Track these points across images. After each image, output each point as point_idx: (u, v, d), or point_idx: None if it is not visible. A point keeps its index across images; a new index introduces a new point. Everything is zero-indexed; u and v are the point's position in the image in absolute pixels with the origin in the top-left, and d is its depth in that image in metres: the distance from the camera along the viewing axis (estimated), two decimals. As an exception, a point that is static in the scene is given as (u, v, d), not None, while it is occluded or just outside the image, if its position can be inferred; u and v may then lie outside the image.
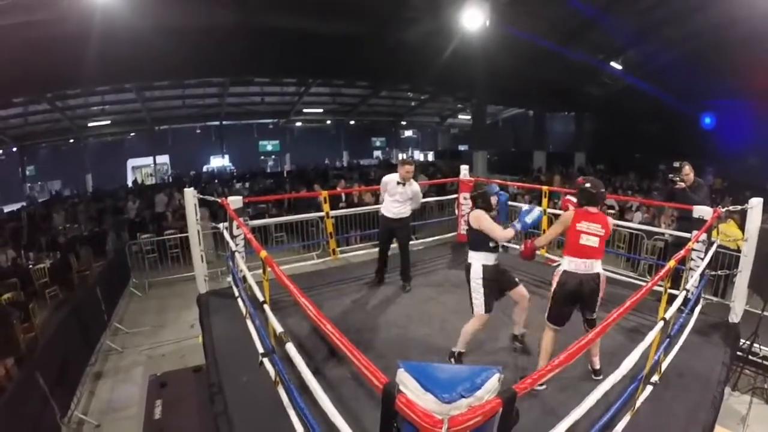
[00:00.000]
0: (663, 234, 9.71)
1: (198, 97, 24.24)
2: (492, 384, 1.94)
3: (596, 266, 4.17)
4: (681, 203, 6.42)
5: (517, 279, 4.78)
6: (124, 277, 11.94)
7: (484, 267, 4.44)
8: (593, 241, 4.13)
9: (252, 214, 13.47)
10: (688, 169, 6.50)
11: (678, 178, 6.54)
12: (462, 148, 36.10)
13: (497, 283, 4.55)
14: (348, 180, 21.30)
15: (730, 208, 5.80)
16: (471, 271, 4.48)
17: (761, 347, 6.23)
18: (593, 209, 4.22)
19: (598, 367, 4.29)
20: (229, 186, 22.63)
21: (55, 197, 23.28)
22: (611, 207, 14.01)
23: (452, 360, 4.59)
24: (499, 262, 4.58)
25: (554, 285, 4.26)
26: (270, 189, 21.46)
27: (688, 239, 5.56)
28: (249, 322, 4.70)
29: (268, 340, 3.83)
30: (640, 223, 11.62)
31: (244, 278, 4.99)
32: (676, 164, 6.62)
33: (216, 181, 24.74)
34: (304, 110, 28.85)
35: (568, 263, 4.20)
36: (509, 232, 4.33)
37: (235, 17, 14.32)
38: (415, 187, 6.42)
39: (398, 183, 6.27)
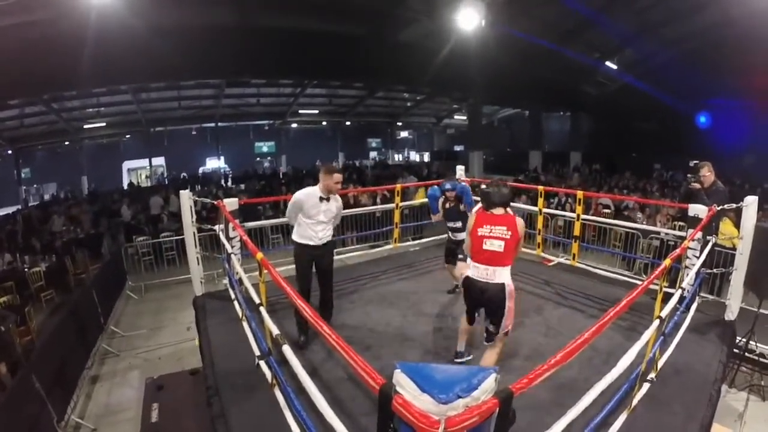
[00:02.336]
0: (658, 233, 9.73)
1: (194, 98, 24.19)
2: (489, 384, 1.94)
3: (499, 274, 3.89)
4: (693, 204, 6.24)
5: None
6: (120, 280, 11.92)
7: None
8: (497, 246, 3.87)
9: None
10: (706, 170, 6.24)
11: (693, 178, 6.31)
12: (458, 148, 36.14)
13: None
14: (343, 181, 21.24)
15: (726, 206, 5.81)
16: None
17: (757, 344, 6.24)
18: (499, 211, 4.00)
19: (462, 349, 4.52)
20: (223, 188, 22.58)
21: (52, 200, 23.17)
22: (606, 206, 14.04)
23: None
24: None
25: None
26: (262, 191, 21.44)
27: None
28: (245, 325, 4.70)
29: (265, 342, 3.82)
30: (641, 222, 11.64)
31: (240, 280, 4.98)
32: (692, 164, 6.32)
33: (208, 185, 24.67)
34: (300, 111, 28.80)
35: (472, 269, 4.03)
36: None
37: (232, 17, 14.33)
38: (339, 202, 5.22)
39: (321, 199, 4.96)
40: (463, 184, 6.19)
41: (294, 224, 5.16)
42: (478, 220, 4.02)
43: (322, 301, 5.34)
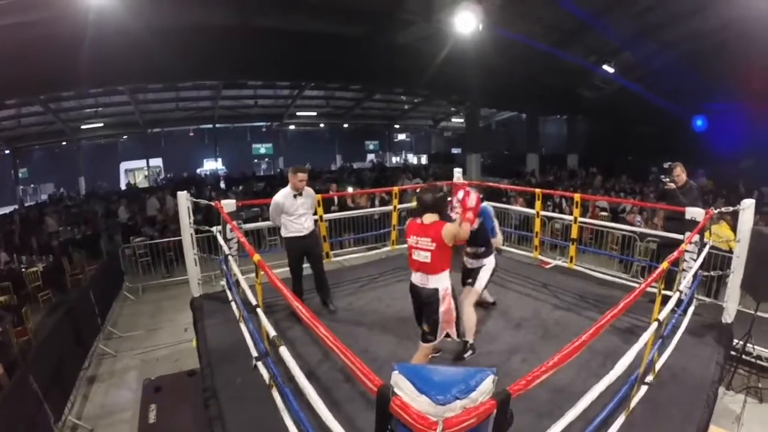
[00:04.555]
0: (656, 236, 9.76)
1: (191, 99, 24.22)
2: (486, 386, 1.94)
3: (433, 281, 3.94)
4: (670, 204, 6.43)
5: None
6: (117, 281, 11.89)
7: None
8: (423, 257, 3.89)
9: (245, 217, 13.44)
10: (679, 170, 6.46)
11: (668, 179, 6.51)
12: (455, 151, 36.21)
13: None
14: (341, 183, 21.26)
15: (723, 209, 5.83)
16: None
17: (755, 347, 6.26)
18: (428, 219, 3.93)
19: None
20: (218, 189, 22.56)
21: (44, 203, 23.09)
22: (603, 209, 14.06)
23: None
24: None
25: None
26: (262, 192, 21.39)
27: (677, 239, 5.62)
28: (243, 326, 4.70)
29: (262, 344, 3.82)
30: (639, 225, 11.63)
31: (238, 282, 4.98)
32: (666, 165, 6.60)
33: (209, 185, 24.61)
34: (298, 113, 28.84)
35: (412, 275, 4.13)
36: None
37: (230, 18, 14.32)
38: (309, 190, 5.89)
39: (295, 196, 5.68)
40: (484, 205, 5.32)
41: (279, 224, 5.84)
42: (408, 230, 4.06)
43: (318, 285, 6.08)
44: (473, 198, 4.26)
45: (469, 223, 4.11)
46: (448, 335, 4.09)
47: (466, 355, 4.76)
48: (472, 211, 4.18)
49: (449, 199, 4.58)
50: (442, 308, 3.96)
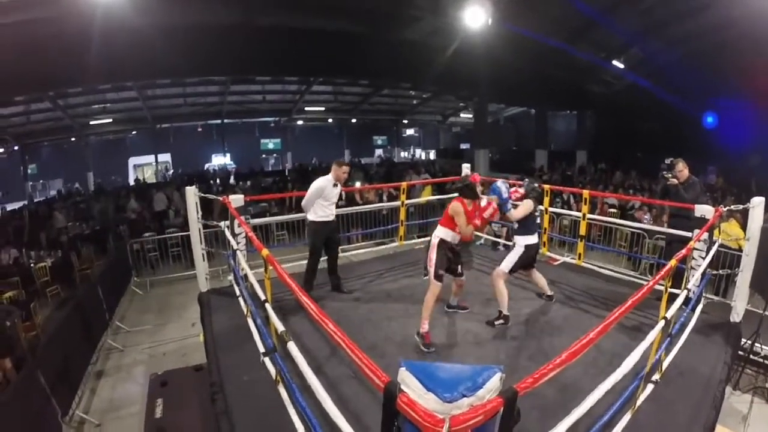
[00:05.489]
0: (663, 233, 9.72)
1: (199, 95, 24.21)
2: (493, 383, 1.94)
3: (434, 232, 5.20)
4: (673, 200, 6.40)
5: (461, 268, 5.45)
6: (125, 276, 11.96)
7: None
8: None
9: (253, 212, 13.49)
10: (681, 166, 6.39)
11: (670, 175, 6.45)
12: (464, 146, 36.08)
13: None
14: (351, 178, 21.29)
15: (732, 207, 5.79)
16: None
17: (762, 347, 6.23)
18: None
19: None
20: (228, 185, 22.61)
21: (53, 199, 23.21)
22: (612, 206, 14.00)
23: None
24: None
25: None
26: (268, 188, 21.41)
27: (681, 236, 5.59)
28: (250, 321, 4.71)
29: (270, 339, 3.82)
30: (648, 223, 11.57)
31: (246, 277, 4.99)
32: (668, 161, 6.53)
33: (218, 180, 24.65)
34: (306, 108, 28.75)
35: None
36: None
37: (237, 15, 14.33)
38: (339, 186, 6.46)
39: (334, 185, 6.27)
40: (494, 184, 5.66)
41: (310, 209, 6.27)
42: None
43: (331, 269, 6.59)
44: (490, 211, 5.19)
45: (473, 228, 5.08)
46: (426, 270, 5.17)
47: (496, 323, 5.35)
48: (481, 220, 5.14)
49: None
50: (429, 253, 5.10)
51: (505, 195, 5.39)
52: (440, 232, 5.08)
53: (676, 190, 6.39)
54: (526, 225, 5.55)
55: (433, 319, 5.09)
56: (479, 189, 5.18)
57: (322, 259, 6.52)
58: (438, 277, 4.99)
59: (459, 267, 5.39)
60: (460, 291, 5.71)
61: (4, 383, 6.41)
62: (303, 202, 6.31)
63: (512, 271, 5.56)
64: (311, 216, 6.28)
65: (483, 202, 5.18)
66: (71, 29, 11.88)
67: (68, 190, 24.14)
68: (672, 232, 6.32)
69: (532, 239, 5.58)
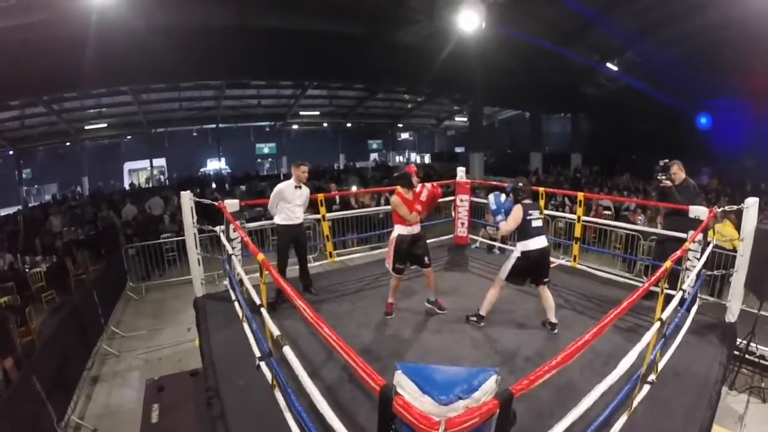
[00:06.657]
0: (657, 234, 9.74)
1: (194, 99, 24.21)
2: (489, 385, 1.95)
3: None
4: (667, 202, 6.40)
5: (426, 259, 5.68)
6: (120, 281, 11.92)
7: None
8: None
9: (248, 217, 13.46)
10: (676, 168, 6.32)
11: (664, 176, 6.38)
12: (459, 150, 36.20)
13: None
14: (344, 182, 21.29)
15: (726, 207, 5.81)
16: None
17: (758, 346, 6.25)
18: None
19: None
20: (224, 189, 22.57)
21: (48, 203, 23.15)
22: (607, 208, 14.02)
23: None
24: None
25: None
26: (262, 192, 21.39)
27: (673, 237, 5.60)
28: (246, 326, 4.70)
29: (265, 344, 3.82)
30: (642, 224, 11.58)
31: (241, 281, 4.99)
32: (662, 162, 6.42)
33: (214, 185, 24.63)
34: (301, 113, 28.81)
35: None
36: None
37: (232, 18, 14.34)
38: (306, 189, 6.44)
39: (296, 187, 6.27)
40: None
41: (275, 212, 6.36)
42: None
43: (302, 272, 6.68)
44: (425, 193, 5.52)
45: (417, 214, 5.43)
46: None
47: (470, 318, 5.52)
48: (421, 205, 5.45)
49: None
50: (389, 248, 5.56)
51: (494, 207, 5.35)
52: (396, 229, 5.51)
53: (669, 192, 6.34)
54: (523, 230, 5.25)
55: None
56: (415, 179, 5.51)
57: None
58: (396, 270, 5.53)
59: (426, 258, 5.66)
60: (431, 282, 5.85)
61: (3, 383, 6.41)
62: (268, 206, 6.45)
63: (510, 279, 5.33)
64: (276, 219, 6.39)
65: (420, 189, 5.55)
66: (66, 33, 11.87)
67: (65, 194, 24.08)
68: (664, 233, 6.32)
69: (531, 245, 5.18)
